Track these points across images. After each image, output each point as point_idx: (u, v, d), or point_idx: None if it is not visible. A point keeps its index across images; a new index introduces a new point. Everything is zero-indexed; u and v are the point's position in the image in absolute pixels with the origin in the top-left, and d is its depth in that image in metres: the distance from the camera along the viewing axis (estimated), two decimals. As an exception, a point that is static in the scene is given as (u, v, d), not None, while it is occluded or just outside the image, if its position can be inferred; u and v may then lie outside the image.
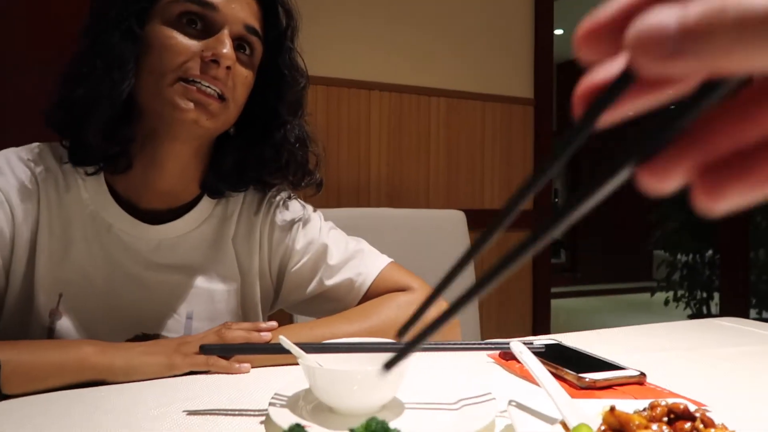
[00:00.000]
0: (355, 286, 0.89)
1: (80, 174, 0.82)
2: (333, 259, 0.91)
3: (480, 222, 2.41)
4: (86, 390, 0.67)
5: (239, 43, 0.80)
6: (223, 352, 0.73)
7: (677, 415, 0.48)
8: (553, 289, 2.62)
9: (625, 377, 0.69)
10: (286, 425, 0.45)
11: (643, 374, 0.69)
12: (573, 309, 6.14)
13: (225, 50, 0.75)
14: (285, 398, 0.60)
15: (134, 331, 0.83)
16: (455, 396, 0.61)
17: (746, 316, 3.20)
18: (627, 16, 0.17)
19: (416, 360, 0.61)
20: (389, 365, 0.22)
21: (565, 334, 0.95)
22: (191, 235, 0.87)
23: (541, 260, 2.49)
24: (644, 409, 0.50)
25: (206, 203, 0.89)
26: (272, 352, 0.72)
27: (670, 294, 4.70)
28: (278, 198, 0.94)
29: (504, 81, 2.46)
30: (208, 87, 0.76)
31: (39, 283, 0.79)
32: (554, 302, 2.66)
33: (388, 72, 2.23)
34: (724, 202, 0.17)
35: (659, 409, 0.49)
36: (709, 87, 0.17)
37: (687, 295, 4.64)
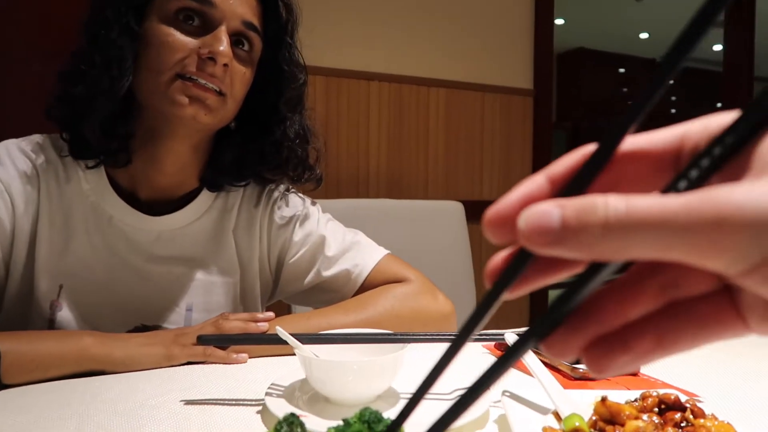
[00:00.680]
0: (352, 277, 0.90)
1: (81, 166, 0.83)
2: (330, 250, 0.91)
3: (478, 213, 2.40)
4: (85, 380, 0.68)
5: (237, 39, 0.80)
6: (221, 343, 0.74)
7: (668, 406, 0.48)
8: (551, 280, 2.63)
9: (619, 368, 0.69)
10: (282, 415, 0.45)
11: (636, 365, 0.70)
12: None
13: (221, 47, 0.75)
14: (281, 388, 0.60)
15: (134, 322, 0.84)
16: (450, 386, 0.62)
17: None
18: (522, 207, 0.19)
19: (412, 350, 0.62)
20: None
21: (561, 325, 0.95)
22: (192, 227, 0.88)
23: (539, 251, 2.49)
24: (636, 400, 0.50)
25: (206, 195, 0.89)
26: (269, 343, 0.73)
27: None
28: (278, 191, 0.94)
29: (504, 71, 2.45)
30: (206, 84, 0.76)
31: (39, 274, 0.80)
32: (551, 293, 2.67)
33: (387, 63, 2.22)
34: (609, 371, 0.20)
35: (650, 399, 0.49)
36: (594, 269, 0.19)
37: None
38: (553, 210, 0.18)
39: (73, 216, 0.82)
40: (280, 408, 0.55)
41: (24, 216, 0.79)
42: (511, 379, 0.69)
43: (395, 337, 0.64)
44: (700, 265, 0.17)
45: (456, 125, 2.36)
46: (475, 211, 1.87)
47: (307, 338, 0.63)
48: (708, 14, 0.18)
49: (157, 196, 0.85)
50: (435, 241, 1.55)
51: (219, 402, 0.61)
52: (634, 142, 0.22)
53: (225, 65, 0.76)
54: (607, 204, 0.17)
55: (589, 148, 0.21)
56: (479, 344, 0.81)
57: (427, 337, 0.67)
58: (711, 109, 0.21)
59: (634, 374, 0.69)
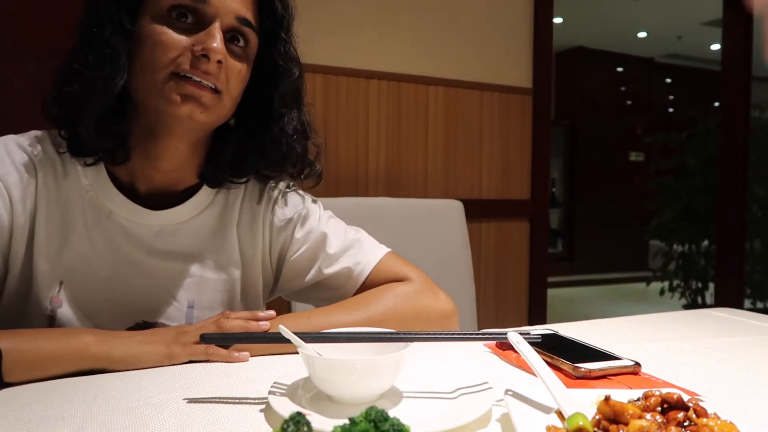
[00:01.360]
0: (354, 275, 0.90)
1: (80, 161, 0.82)
2: (332, 248, 0.91)
3: (477, 212, 2.41)
4: (87, 378, 0.68)
5: (232, 35, 0.79)
6: (224, 342, 0.73)
7: (671, 405, 0.49)
8: (550, 279, 2.63)
9: (620, 367, 0.69)
10: (286, 413, 0.45)
11: (638, 364, 0.70)
12: (569, 298, 6.17)
13: (215, 44, 0.75)
14: (284, 387, 0.60)
15: (135, 318, 0.84)
16: (453, 385, 0.62)
17: (741, 306, 3.22)
18: None
19: (414, 350, 0.62)
20: None
21: (561, 324, 0.96)
22: (193, 222, 0.88)
23: (538, 249, 2.50)
24: (638, 399, 0.51)
25: (207, 191, 0.89)
26: (272, 341, 0.73)
27: (666, 284, 4.73)
28: (279, 188, 0.94)
29: (502, 70, 2.46)
30: (201, 81, 0.76)
31: (38, 271, 0.79)
32: (551, 291, 2.68)
33: (386, 61, 2.22)
34: None
35: (653, 399, 0.49)
36: None
37: (682, 285, 4.67)
38: None
39: (71, 211, 0.82)
40: (284, 406, 0.55)
41: (22, 212, 0.79)
42: (514, 378, 0.70)
43: (397, 336, 0.64)
44: None
45: (455, 123, 2.36)
46: (474, 209, 1.88)
47: (309, 336, 0.63)
48: None
49: (157, 191, 0.85)
50: (434, 240, 1.56)
51: (222, 400, 0.61)
52: None
53: (219, 62, 0.76)
54: None
55: None
56: (481, 343, 0.81)
57: (430, 336, 0.67)
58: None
59: (636, 374, 0.69)
